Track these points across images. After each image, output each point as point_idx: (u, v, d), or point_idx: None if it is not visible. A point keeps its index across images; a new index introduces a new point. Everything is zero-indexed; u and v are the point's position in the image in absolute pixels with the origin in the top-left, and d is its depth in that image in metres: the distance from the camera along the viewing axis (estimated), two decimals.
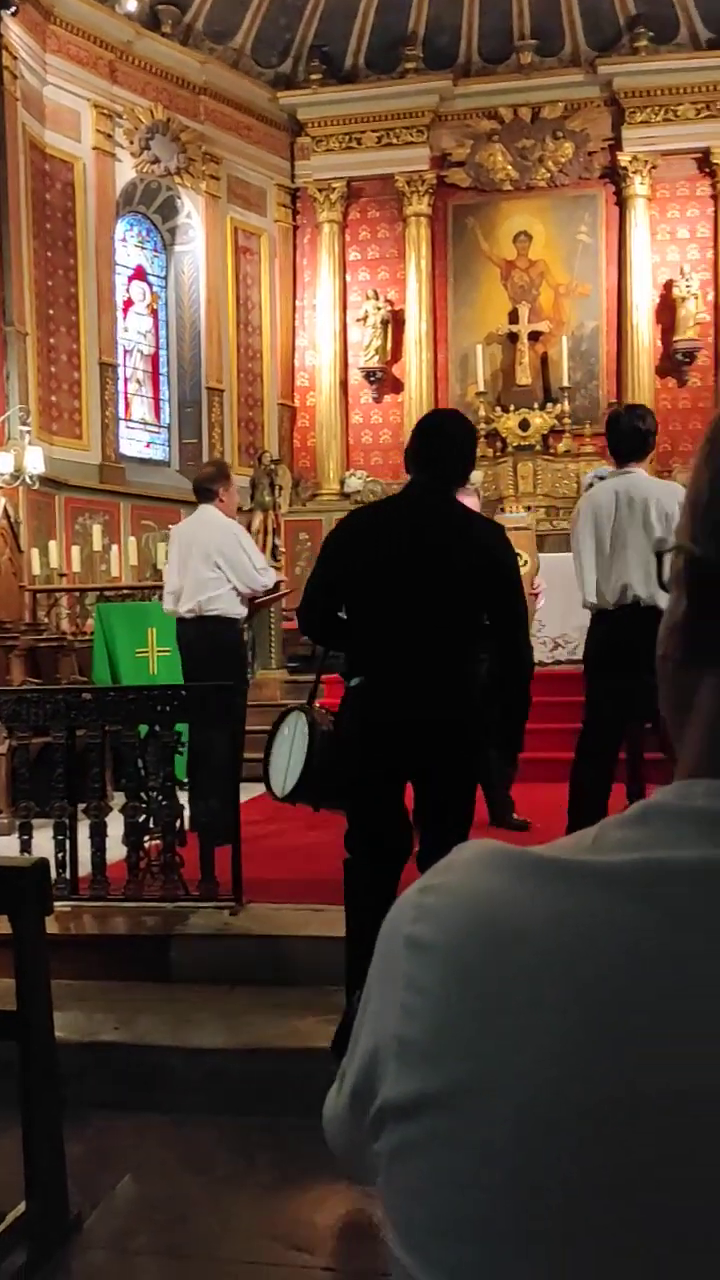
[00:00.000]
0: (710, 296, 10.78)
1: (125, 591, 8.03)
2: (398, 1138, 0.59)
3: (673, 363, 10.89)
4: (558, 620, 8.50)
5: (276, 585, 5.28)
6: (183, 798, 4.03)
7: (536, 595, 5.08)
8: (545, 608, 8.44)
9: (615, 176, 10.90)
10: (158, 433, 10.46)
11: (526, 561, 5.21)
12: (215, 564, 4.92)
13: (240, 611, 5.02)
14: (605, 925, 0.54)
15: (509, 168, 10.98)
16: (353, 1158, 0.74)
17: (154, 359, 10.46)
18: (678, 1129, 0.49)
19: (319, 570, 3.02)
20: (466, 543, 2.86)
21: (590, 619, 4.06)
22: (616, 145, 10.83)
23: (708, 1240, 0.48)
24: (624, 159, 10.75)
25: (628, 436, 3.90)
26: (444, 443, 3.07)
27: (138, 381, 10.27)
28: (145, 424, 10.33)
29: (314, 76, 11.13)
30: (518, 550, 5.25)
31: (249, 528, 8.17)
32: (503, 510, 9.95)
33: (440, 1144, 0.56)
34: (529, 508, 9.99)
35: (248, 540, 5.34)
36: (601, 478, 4.78)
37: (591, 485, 5.03)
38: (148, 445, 10.34)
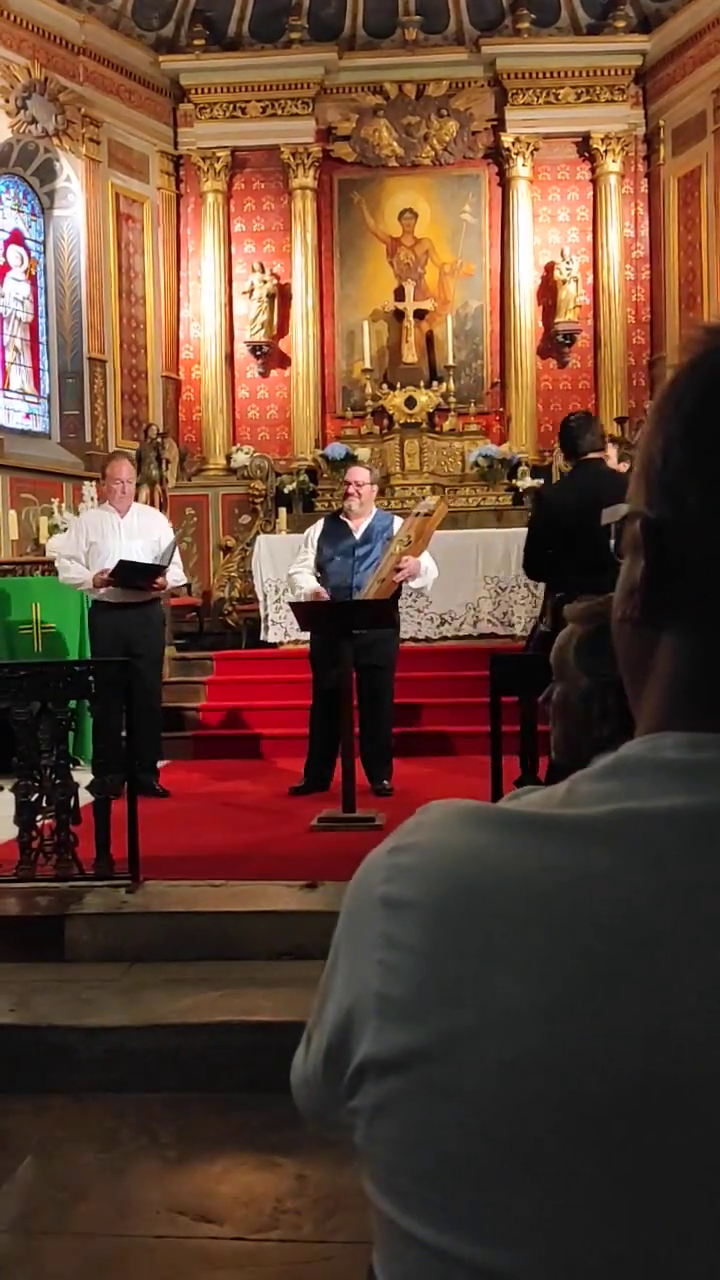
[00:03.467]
0: (590, 280, 11.01)
1: (6, 567, 7.81)
2: (382, 1091, 0.60)
3: (553, 344, 11.10)
4: (443, 598, 8.62)
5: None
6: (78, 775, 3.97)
7: (400, 570, 5.20)
8: (435, 584, 8.54)
9: (498, 157, 11.01)
10: (37, 403, 10.16)
11: (409, 540, 5.31)
12: None
13: (94, 594, 5.65)
14: (585, 875, 0.57)
15: (394, 144, 10.98)
16: (324, 1116, 0.76)
17: (33, 327, 10.13)
18: (664, 1071, 0.52)
19: (532, 528, 4.83)
20: (604, 495, 4.07)
21: None
22: (499, 126, 10.93)
23: (687, 1180, 0.51)
24: (507, 140, 10.86)
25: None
26: (562, 435, 4.91)
27: (15, 350, 9.94)
28: (24, 394, 10.02)
29: (197, 42, 10.90)
30: (409, 533, 5.33)
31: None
32: (421, 497, 10.02)
33: (428, 1094, 0.58)
34: (427, 489, 10.09)
35: (66, 534, 6.04)
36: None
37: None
38: (27, 416, 10.03)
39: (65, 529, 8.42)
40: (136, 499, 8.14)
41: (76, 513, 8.52)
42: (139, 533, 5.71)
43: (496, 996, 0.56)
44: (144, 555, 5.57)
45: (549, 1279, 0.53)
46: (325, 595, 5.37)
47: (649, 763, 0.58)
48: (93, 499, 8.62)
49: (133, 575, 5.46)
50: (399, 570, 5.20)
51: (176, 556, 5.82)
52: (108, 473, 5.84)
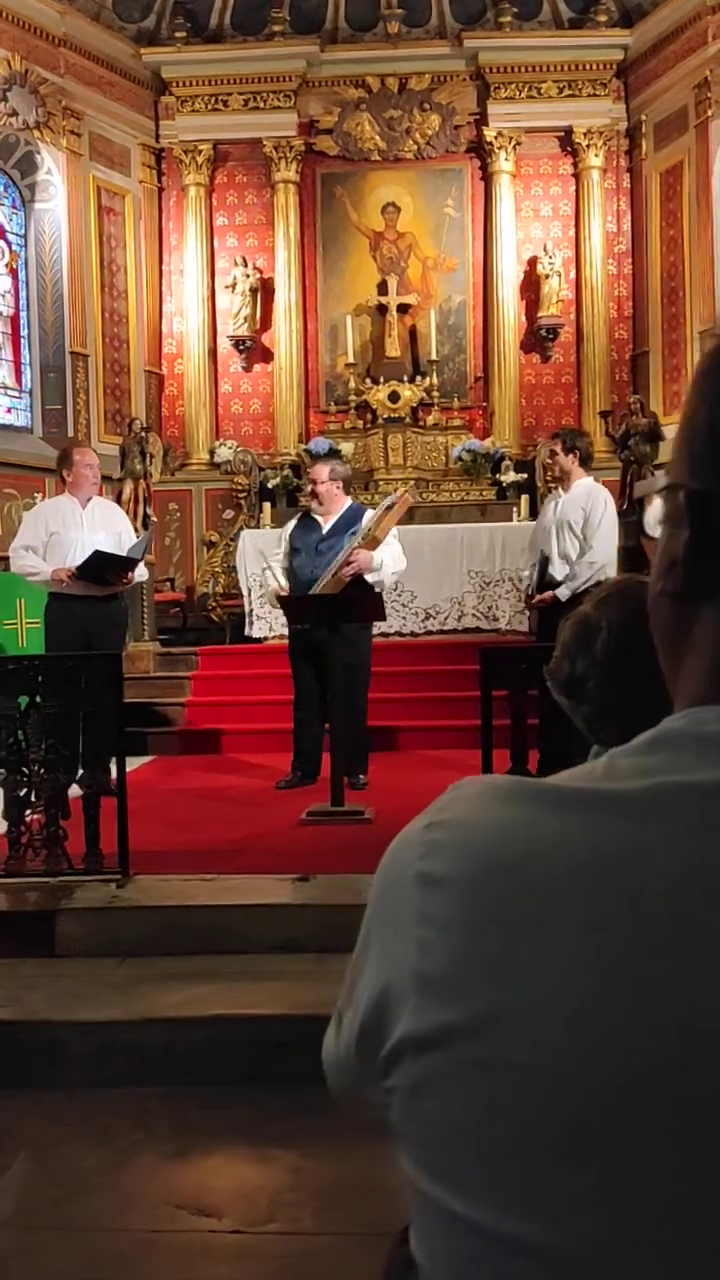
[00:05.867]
0: (572, 274, 11.02)
1: None
2: (420, 1069, 0.60)
3: (536, 339, 11.11)
4: (428, 592, 8.62)
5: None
6: None
7: (350, 565, 5.17)
8: (419, 578, 8.55)
9: (481, 151, 11.01)
10: (19, 398, 10.09)
11: (367, 533, 5.30)
12: None
13: (53, 587, 5.35)
14: (626, 850, 0.56)
15: (377, 138, 10.96)
16: (357, 1096, 0.75)
17: (14, 321, 10.06)
18: (709, 1050, 0.51)
19: None
20: None
21: None
22: (482, 120, 10.92)
23: None
24: (489, 134, 10.85)
25: None
26: None
27: None
28: (6, 388, 9.95)
29: (178, 34, 10.85)
30: (369, 527, 5.32)
31: (119, 497, 8.00)
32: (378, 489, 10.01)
33: (468, 1071, 0.57)
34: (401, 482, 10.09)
35: (23, 523, 5.73)
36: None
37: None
38: (9, 411, 9.97)
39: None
40: (121, 494, 8.13)
41: None
42: (101, 524, 5.47)
43: (538, 973, 0.56)
44: (107, 548, 5.34)
45: (595, 1256, 0.53)
46: (283, 593, 5.40)
47: (690, 736, 0.58)
48: None
49: (103, 568, 5.23)
50: (348, 564, 5.17)
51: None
52: (76, 458, 5.51)
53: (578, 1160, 0.53)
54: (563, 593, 5.44)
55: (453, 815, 0.63)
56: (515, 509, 9.78)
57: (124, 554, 5.38)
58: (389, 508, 5.39)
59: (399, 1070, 0.61)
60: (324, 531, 5.51)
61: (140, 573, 5.61)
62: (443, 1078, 0.58)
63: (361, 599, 5.10)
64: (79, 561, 5.21)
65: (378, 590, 5.28)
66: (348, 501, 5.69)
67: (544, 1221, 0.54)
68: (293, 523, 5.75)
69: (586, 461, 5.75)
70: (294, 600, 5.24)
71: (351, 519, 5.53)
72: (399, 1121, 0.62)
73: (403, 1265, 0.88)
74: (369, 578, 5.25)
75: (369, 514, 5.53)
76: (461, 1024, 0.57)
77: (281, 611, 5.60)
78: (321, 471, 5.64)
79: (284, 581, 5.51)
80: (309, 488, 5.62)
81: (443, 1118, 0.58)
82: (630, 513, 8.34)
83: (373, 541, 5.22)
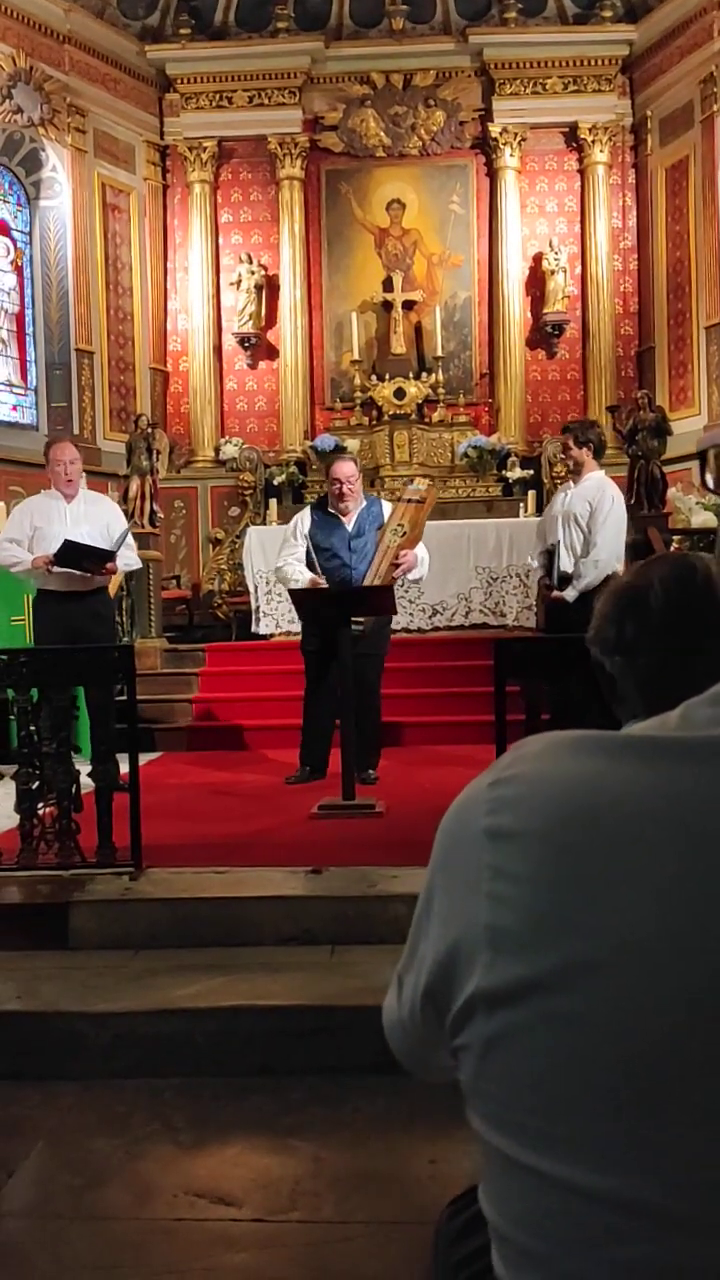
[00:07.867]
0: (578, 270, 11.02)
1: None
2: (494, 1025, 0.59)
3: (542, 335, 11.10)
4: (435, 588, 8.60)
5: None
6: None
7: (399, 566, 5.12)
8: (427, 574, 8.52)
9: (486, 147, 11.00)
10: (24, 395, 10.09)
11: (405, 531, 5.19)
12: None
13: (36, 578, 5.37)
14: (698, 795, 0.55)
15: (381, 134, 10.95)
16: (422, 1059, 0.74)
17: (19, 318, 10.06)
18: None
19: None
20: None
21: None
22: (487, 116, 10.92)
23: None
24: (494, 130, 10.85)
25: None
26: None
27: (2, 341, 9.87)
28: (11, 386, 9.95)
29: (183, 31, 10.86)
30: (402, 524, 5.26)
31: (126, 493, 8.00)
32: (408, 482, 10.00)
33: (547, 1025, 0.56)
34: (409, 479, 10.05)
35: (9, 518, 5.72)
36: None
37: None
38: (14, 408, 9.96)
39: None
40: (127, 490, 8.12)
41: None
42: (86, 518, 5.38)
43: (621, 924, 0.55)
44: (92, 541, 5.26)
45: (691, 1207, 0.51)
46: (323, 584, 5.24)
47: None
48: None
49: (79, 557, 5.16)
50: (398, 565, 5.12)
51: (130, 540, 5.50)
52: (50, 455, 5.44)
53: (670, 1112, 0.52)
54: (570, 594, 5.43)
55: (519, 771, 0.62)
56: (521, 505, 9.78)
57: (101, 546, 5.28)
58: (419, 502, 5.31)
59: (470, 1028, 0.60)
60: (350, 529, 5.40)
61: (129, 561, 5.50)
62: (520, 1032, 0.57)
63: (377, 593, 5.07)
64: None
65: (419, 583, 5.27)
66: (363, 497, 5.61)
67: (640, 1176, 0.53)
68: (305, 519, 5.56)
69: (600, 451, 5.71)
70: (311, 594, 5.19)
71: (372, 514, 5.45)
72: (470, 1080, 0.61)
73: (458, 1231, 0.87)
74: (411, 575, 5.22)
75: (387, 507, 5.47)
76: (540, 977, 0.57)
77: (293, 608, 5.49)
78: (350, 469, 5.44)
79: (309, 574, 5.29)
80: (335, 489, 5.41)
81: (520, 1073, 0.57)
82: (640, 508, 8.31)
83: (413, 539, 5.17)
